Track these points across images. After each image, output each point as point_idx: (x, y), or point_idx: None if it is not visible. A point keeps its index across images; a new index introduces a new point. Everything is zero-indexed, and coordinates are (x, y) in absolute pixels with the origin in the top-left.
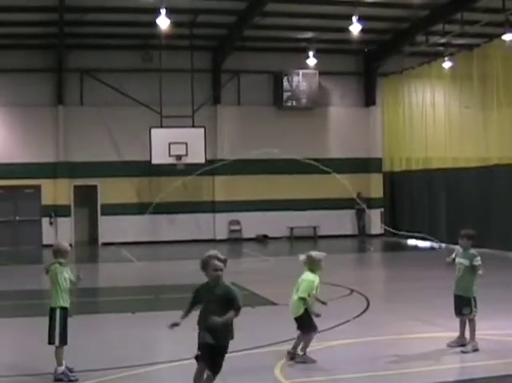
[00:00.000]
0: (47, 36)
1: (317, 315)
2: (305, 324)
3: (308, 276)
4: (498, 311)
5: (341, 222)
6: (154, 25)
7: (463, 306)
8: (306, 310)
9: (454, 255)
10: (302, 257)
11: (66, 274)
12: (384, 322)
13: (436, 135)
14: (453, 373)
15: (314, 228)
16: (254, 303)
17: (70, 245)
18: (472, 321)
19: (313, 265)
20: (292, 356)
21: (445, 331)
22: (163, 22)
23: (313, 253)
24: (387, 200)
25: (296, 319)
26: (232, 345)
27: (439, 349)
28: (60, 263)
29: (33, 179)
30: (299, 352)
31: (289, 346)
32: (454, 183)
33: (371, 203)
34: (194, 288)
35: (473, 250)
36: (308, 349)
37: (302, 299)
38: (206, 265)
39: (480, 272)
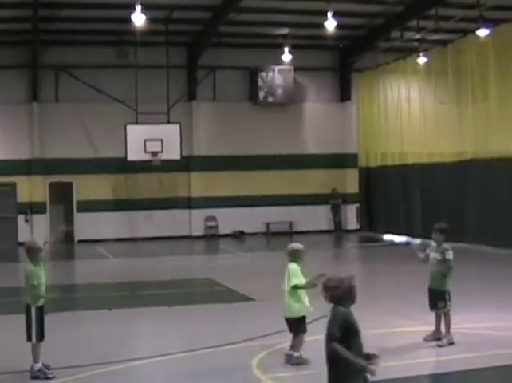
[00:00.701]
0: (21, 32)
1: (321, 275)
2: (299, 326)
3: (293, 265)
4: (473, 305)
5: (317, 217)
6: (129, 21)
7: (438, 299)
8: (302, 317)
9: (428, 251)
10: None
11: (41, 273)
12: (359, 317)
13: (411, 130)
14: (429, 366)
15: (290, 224)
16: (232, 299)
17: (45, 243)
18: (447, 315)
19: (295, 256)
20: (288, 358)
21: (421, 325)
22: (139, 18)
23: (294, 244)
24: (362, 195)
25: (288, 320)
26: (210, 340)
27: (414, 343)
28: (33, 262)
29: (8, 177)
30: (294, 354)
31: (266, 341)
32: (429, 177)
33: (346, 198)
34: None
35: (446, 245)
36: (284, 345)
37: (295, 287)
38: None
39: (452, 263)
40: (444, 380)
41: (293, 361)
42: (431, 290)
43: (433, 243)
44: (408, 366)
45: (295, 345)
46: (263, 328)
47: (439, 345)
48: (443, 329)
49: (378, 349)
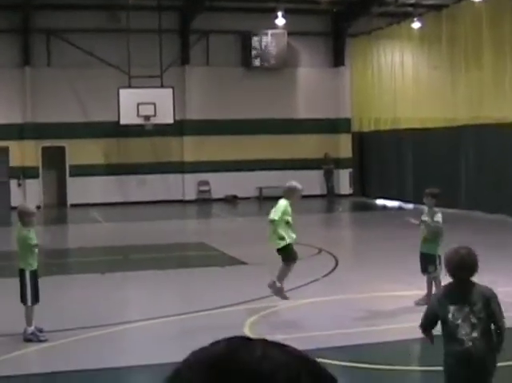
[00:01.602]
0: None
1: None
2: (284, 254)
3: (281, 201)
4: None
5: (310, 182)
6: None
7: (428, 263)
8: (286, 245)
9: (422, 216)
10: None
11: (32, 236)
12: (352, 281)
13: (405, 95)
14: (418, 330)
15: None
16: (224, 263)
17: (38, 207)
18: (437, 279)
19: (288, 193)
20: (271, 285)
21: (413, 289)
22: None
23: (291, 182)
24: (355, 161)
25: (277, 250)
26: (204, 303)
27: (406, 307)
28: (25, 225)
29: (0, 141)
30: (277, 283)
31: (259, 305)
32: (422, 143)
33: (339, 163)
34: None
35: (436, 209)
36: (275, 309)
37: (272, 221)
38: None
39: (440, 226)
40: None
41: (274, 289)
42: (422, 254)
43: (425, 208)
44: (400, 330)
45: (279, 274)
46: (256, 291)
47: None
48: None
49: (371, 313)
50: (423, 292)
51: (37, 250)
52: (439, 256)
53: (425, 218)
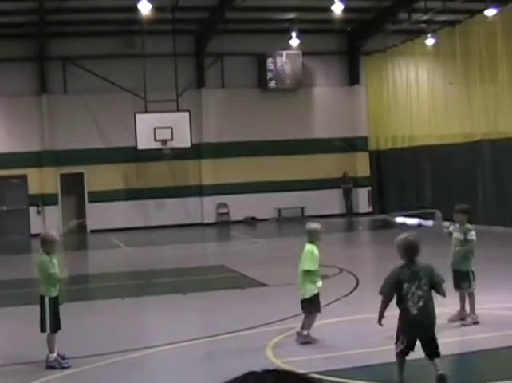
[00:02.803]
0: (28, 24)
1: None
2: (309, 306)
3: (309, 246)
4: (494, 285)
5: (328, 201)
6: (135, 10)
7: (461, 279)
8: (314, 295)
9: (451, 228)
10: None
11: (54, 263)
12: (373, 300)
13: (421, 112)
14: (454, 346)
15: (302, 209)
16: (245, 285)
17: (60, 234)
18: (471, 295)
19: (310, 236)
20: (297, 337)
21: (446, 306)
22: (145, 7)
23: (310, 224)
24: (374, 179)
25: (302, 301)
26: (226, 326)
27: (440, 324)
28: (47, 253)
29: (19, 169)
30: (304, 332)
31: (280, 326)
32: (439, 159)
33: (357, 182)
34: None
35: (468, 225)
36: (296, 330)
37: (307, 272)
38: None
39: (473, 244)
40: (470, 359)
41: (301, 339)
42: (454, 271)
43: (456, 224)
44: None
45: (304, 324)
46: (277, 313)
47: (463, 325)
48: (467, 308)
49: (394, 332)
50: (456, 308)
51: (57, 278)
52: (472, 272)
53: (456, 234)
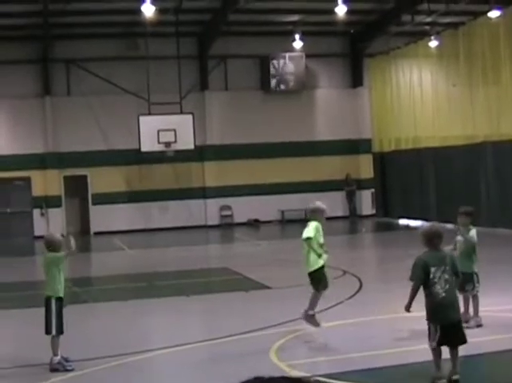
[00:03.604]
0: (32, 27)
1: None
2: (315, 280)
3: (311, 223)
4: (497, 287)
5: (332, 204)
6: (139, 12)
7: (466, 282)
8: (318, 268)
9: (458, 238)
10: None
11: (60, 265)
12: (377, 302)
13: (424, 114)
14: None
15: (305, 211)
16: (248, 287)
17: (62, 235)
18: (475, 297)
19: (315, 214)
20: (303, 314)
21: None
22: (148, 9)
23: (314, 203)
24: (377, 181)
25: (309, 274)
26: (229, 329)
27: None
28: (53, 254)
29: (23, 171)
30: (309, 311)
31: (282, 329)
32: (443, 161)
33: (361, 184)
34: (186, 274)
35: (471, 227)
36: (301, 333)
37: (307, 239)
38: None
39: (473, 244)
40: (473, 361)
41: (306, 318)
42: None
43: (460, 227)
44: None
45: (310, 302)
46: (281, 315)
47: (467, 327)
48: (471, 311)
49: (397, 334)
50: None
51: (63, 279)
52: (476, 273)
53: (459, 237)
